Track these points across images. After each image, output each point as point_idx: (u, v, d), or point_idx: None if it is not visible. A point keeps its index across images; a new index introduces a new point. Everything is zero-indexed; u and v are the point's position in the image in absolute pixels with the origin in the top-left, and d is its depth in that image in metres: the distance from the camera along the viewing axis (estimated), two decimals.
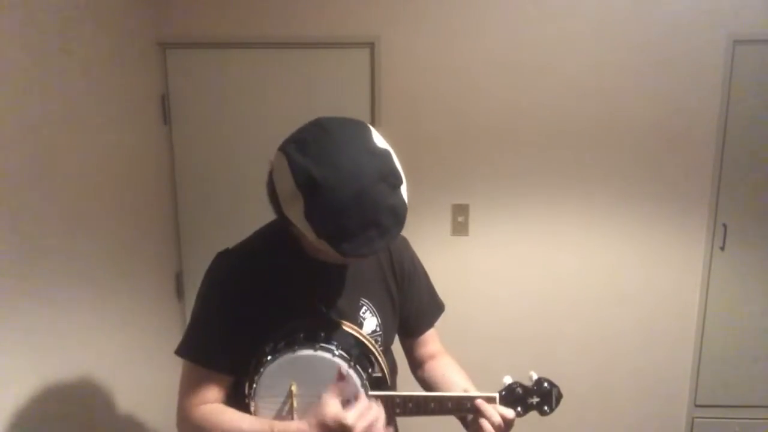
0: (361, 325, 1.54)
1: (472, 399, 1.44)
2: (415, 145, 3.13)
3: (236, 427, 1.40)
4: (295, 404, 1.41)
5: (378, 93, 3.08)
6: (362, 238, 1.21)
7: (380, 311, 1.60)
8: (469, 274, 3.27)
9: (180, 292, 3.28)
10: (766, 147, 3.08)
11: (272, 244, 1.52)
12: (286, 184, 1.23)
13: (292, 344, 1.40)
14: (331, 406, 1.33)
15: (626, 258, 3.24)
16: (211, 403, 1.46)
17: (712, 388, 3.35)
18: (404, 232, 1.29)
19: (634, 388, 3.38)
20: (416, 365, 1.79)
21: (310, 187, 1.19)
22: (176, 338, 1.52)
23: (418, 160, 3.13)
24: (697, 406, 3.38)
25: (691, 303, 3.27)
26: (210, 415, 1.44)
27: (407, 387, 1.73)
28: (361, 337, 1.50)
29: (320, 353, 1.39)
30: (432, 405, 1.45)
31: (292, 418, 1.41)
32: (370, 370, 1.45)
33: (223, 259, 1.53)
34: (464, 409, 1.45)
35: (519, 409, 1.47)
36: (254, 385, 1.41)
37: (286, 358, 1.39)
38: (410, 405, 1.44)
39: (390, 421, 1.45)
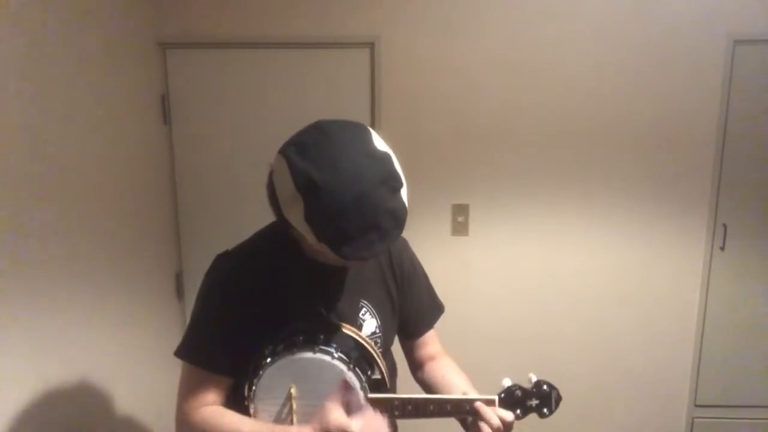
0: (360, 327, 1.55)
1: (471, 402, 1.44)
2: (415, 145, 3.13)
3: (236, 430, 1.41)
4: (294, 406, 1.41)
5: (378, 93, 3.08)
6: (362, 242, 1.21)
7: (380, 313, 1.60)
8: (469, 274, 3.27)
9: (180, 292, 3.28)
10: (766, 147, 3.08)
11: (272, 245, 1.52)
12: (286, 187, 1.23)
13: (291, 346, 1.40)
14: (336, 414, 1.33)
15: (626, 258, 3.24)
16: (211, 406, 1.46)
17: (712, 388, 3.35)
18: (404, 233, 1.29)
19: (634, 388, 3.38)
20: (416, 366, 1.79)
21: (310, 190, 1.19)
22: (176, 338, 1.52)
23: (418, 160, 3.13)
24: (697, 406, 3.38)
25: (691, 303, 3.27)
26: (210, 418, 1.44)
27: (407, 388, 1.74)
28: (360, 340, 1.49)
29: (319, 356, 1.39)
30: (431, 407, 1.44)
31: (292, 421, 1.41)
32: (369, 373, 1.45)
33: (223, 260, 1.53)
34: (463, 411, 1.45)
35: (518, 411, 1.47)
36: (253, 388, 1.41)
37: (286, 360, 1.39)
38: (409, 407, 1.44)
39: (390, 423, 1.45)
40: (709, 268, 3.22)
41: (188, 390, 1.47)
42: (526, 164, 3.15)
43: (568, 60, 3.04)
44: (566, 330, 3.31)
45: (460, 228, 3.22)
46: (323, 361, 1.39)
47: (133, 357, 2.72)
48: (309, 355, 1.39)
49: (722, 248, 3.18)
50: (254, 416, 1.43)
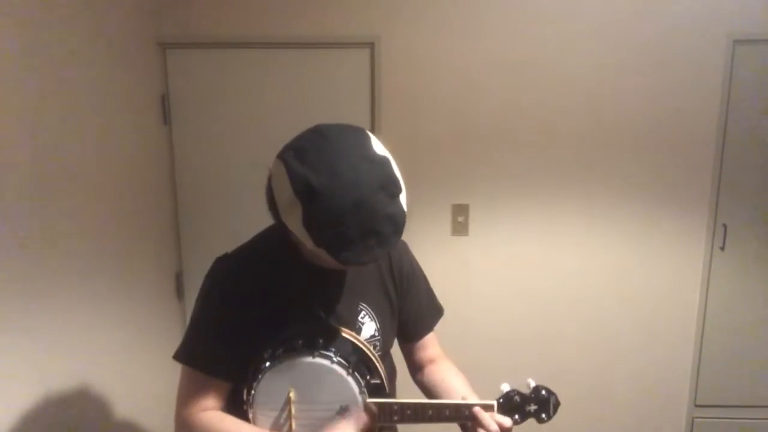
0: (359, 331, 1.54)
1: (470, 407, 1.44)
2: (415, 145, 3.13)
3: None
4: (293, 411, 1.41)
5: (378, 93, 3.08)
6: (361, 247, 1.20)
7: (379, 316, 1.60)
8: (469, 274, 3.27)
9: (180, 292, 3.28)
10: (766, 147, 3.08)
11: (271, 249, 1.52)
12: (285, 192, 1.22)
13: (290, 351, 1.40)
14: None
15: (626, 258, 3.24)
16: (210, 411, 1.46)
17: (712, 388, 3.35)
18: (404, 233, 1.29)
19: (634, 388, 3.38)
20: (415, 369, 1.79)
21: (308, 195, 1.18)
22: (176, 338, 1.53)
23: (418, 160, 3.13)
24: (697, 406, 3.38)
25: (691, 303, 3.27)
26: (209, 423, 1.44)
27: (406, 391, 1.74)
28: (359, 344, 1.49)
29: (319, 360, 1.39)
30: (430, 412, 1.45)
31: (291, 426, 1.41)
32: (368, 377, 1.45)
33: (223, 263, 1.53)
34: (462, 416, 1.45)
35: (517, 417, 1.47)
36: (252, 392, 1.41)
37: (285, 364, 1.39)
38: (408, 412, 1.44)
39: (389, 427, 1.45)
40: (709, 268, 3.22)
41: (187, 394, 1.47)
42: (526, 164, 3.15)
43: (568, 60, 3.04)
44: (566, 330, 3.32)
45: (460, 228, 3.22)
46: (322, 365, 1.39)
47: (133, 357, 2.73)
48: (308, 359, 1.39)
49: (722, 248, 3.18)
50: (253, 421, 1.43)
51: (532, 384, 1.50)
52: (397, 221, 1.23)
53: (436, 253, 3.23)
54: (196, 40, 3.04)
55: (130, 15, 2.77)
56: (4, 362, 1.88)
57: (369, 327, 1.57)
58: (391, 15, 3.01)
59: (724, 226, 3.16)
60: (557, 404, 1.51)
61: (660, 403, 3.40)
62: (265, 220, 1.41)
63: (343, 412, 1.41)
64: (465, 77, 3.06)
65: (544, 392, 1.49)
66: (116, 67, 2.61)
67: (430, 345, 1.79)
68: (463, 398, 1.49)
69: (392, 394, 1.68)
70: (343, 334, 1.49)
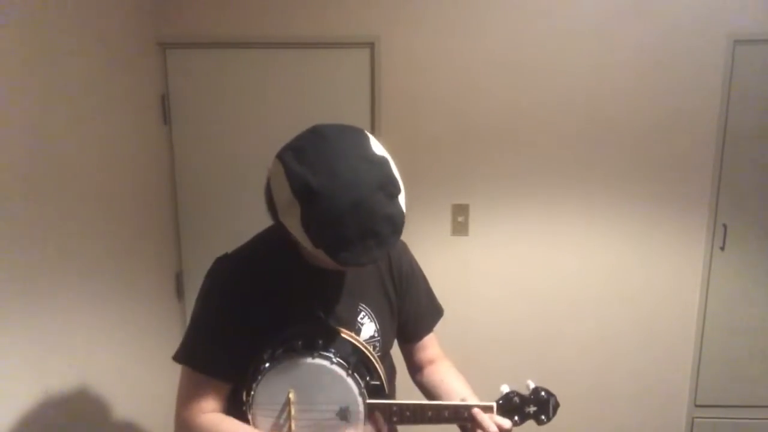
0: (359, 331, 1.54)
1: (469, 408, 1.44)
2: (415, 145, 3.13)
3: None
4: (293, 412, 1.41)
5: (378, 93, 3.08)
6: (360, 248, 1.20)
7: (378, 316, 1.60)
8: (469, 274, 3.27)
9: (180, 292, 3.28)
10: (766, 147, 3.08)
11: (271, 249, 1.52)
12: (283, 193, 1.22)
13: (290, 351, 1.40)
14: None
15: (626, 258, 3.24)
16: (211, 413, 1.46)
17: (712, 388, 3.35)
18: (404, 233, 1.28)
19: (634, 388, 3.38)
20: (415, 370, 1.79)
21: (306, 196, 1.18)
22: (176, 338, 1.52)
23: (418, 160, 3.13)
24: (697, 406, 3.38)
25: (691, 303, 3.27)
26: (209, 425, 1.44)
27: (406, 391, 1.74)
28: (358, 345, 1.49)
29: (318, 361, 1.39)
30: (429, 413, 1.45)
31: (291, 427, 1.41)
32: (367, 378, 1.45)
33: (222, 263, 1.52)
34: (461, 418, 1.45)
35: (516, 418, 1.47)
36: (252, 393, 1.41)
37: (284, 365, 1.39)
38: (407, 413, 1.44)
39: (388, 428, 1.46)
40: (709, 268, 3.22)
41: (187, 395, 1.47)
42: (526, 164, 3.15)
43: (568, 60, 3.04)
44: (566, 330, 3.32)
45: (460, 228, 3.22)
46: (322, 366, 1.39)
47: (133, 357, 2.73)
48: (308, 360, 1.39)
49: (722, 248, 3.18)
50: (252, 422, 1.43)
51: (532, 385, 1.50)
52: (396, 222, 1.23)
53: (436, 253, 3.23)
54: (196, 40, 3.04)
55: (130, 15, 2.77)
56: (4, 362, 1.88)
57: (368, 327, 1.57)
58: (391, 15, 3.00)
59: (724, 226, 3.16)
60: (557, 406, 1.51)
61: (660, 403, 3.40)
62: (265, 220, 1.41)
63: (344, 415, 1.41)
64: (465, 77, 3.06)
65: (543, 393, 1.49)
66: (116, 67, 2.61)
67: (430, 346, 1.78)
68: (462, 399, 1.49)
69: (392, 395, 1.68)
70: (343, 335, 1.49)
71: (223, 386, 1.48)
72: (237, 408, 1.46)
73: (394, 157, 1.29)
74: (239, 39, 3.03)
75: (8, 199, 1.89)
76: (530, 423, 1.51)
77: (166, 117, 3.10)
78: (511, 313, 3.30)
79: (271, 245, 1.52)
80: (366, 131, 1.30)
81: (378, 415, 1.43)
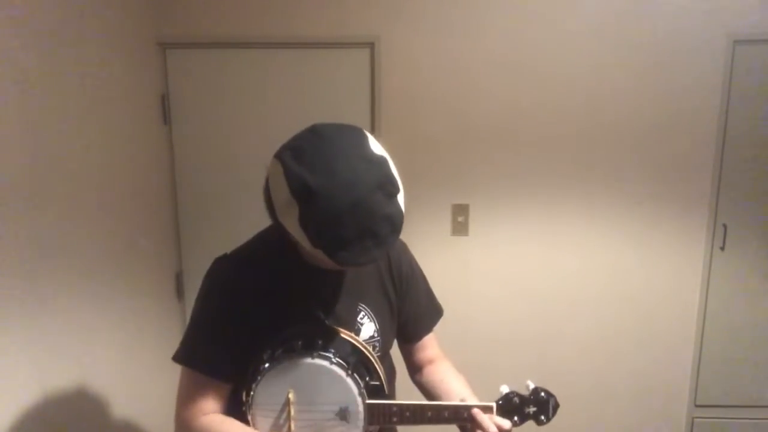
0: (358, 331, 1.54)
1: (469, 408, 1.44)
2: (415, 144, 3.13)
3: None
4: (292, 412, 1.41)
5: (378, 93, 3.08)
6: (358, 248, 1.20)
7: (378, 316, 1.60)
8: (469, 274, 3.27)
9: (180, 292, 3.28)
10: (766, 147, 3.08)
11: (270, 249, 1.51)
12: (281, 192, 1.22)
13: (289, 352, 1.40)
14: None
15: (626, 258, 3.24)
16: (211, 414, 1.46)
17: (712, 388, 3.35)
18: (404, 233, 1.28)
19: (634, 388, 3.38)
20: (415, 370, 1.79)
21: (305, 195, 1.18)
22: (176, 338, 1.52)
23: (418, 160, 3.13)
24: (697, 406, 3.38)
25: (691, 303, 3.27)
26: (209, 426, 1.44)
27: (406, 391, 1.74)
28: (358, 345, 1.49)
29: (318, 361, 1.40)
30: (429, 414, 1.45)
31: (290, 427, 1.41)
32: (367, 378, 1.45)
33: (222, 264, 1.52)
34: (461, 418, 1.45)
35: (516, 418, 1.47)
36: (251, 393, 1.41)
37: (284, 365, 1.39)
38: (407, 414, 1.44)
39: (388, 428, 1.46)
40: (709, 268, 3.22)
41: (187, 395, 1.47)
42: (526, 164, 3.15)
43: (568, 60, 3.04)
44: (566, 330, 3.31)
45: (460, 228, 3.22)
46: (322, 366, 1.39)
47: (133, 357, 2.73)
48: (308, 360, 1.39)
49: (722, 248, 3.18)
50: (252, 422, 1.43)
51: (532, 386, 1.50)
52: (394, 221, 1.22)
53: (436, 253, 3.23)
54: (196, 40, 3.04)
55: (130, 15, 2.76)
56: (4, 362, 1.88)
57: (368, 328, 1.57)
58: (391, 15, 3.00)
59: (724, 226, 3.16)
60: (556, 406, 1.51)
61: (660, 403, 3.40)
62: (265, 220, 1.41)
63: (344, 415, 1.41)
64: (465, 77, 3.06)
65: (543, 394, 1.49)
66: (116, 67, 2.61)
67: (430, 346, 1.78)
68: (462, 400, 1.49)
69: (391, 395, 1.68)
70: (342, 335, 1.49)
71: (222, 387, 1.48)
72: (237, 408, 1.46)
73: (393, 157, 1.29)
74: (239, 39, 3.03)
75: (8, 199, 1.89)
76: (530, 423, 1.51)
77: (166, 117, 3.09)
78: (511, 312, 3.30)
79: (270, 245, 1.52)
80: (365, 130, 1.30)
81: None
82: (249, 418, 1.43)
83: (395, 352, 1.74)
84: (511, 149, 3.13)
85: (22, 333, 1.96)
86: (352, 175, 1.18)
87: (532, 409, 1.49)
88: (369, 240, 1.20)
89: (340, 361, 1.40)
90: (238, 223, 3.03)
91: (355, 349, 1.48)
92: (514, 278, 3.27)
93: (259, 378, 1.39)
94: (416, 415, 1.44)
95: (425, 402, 1.49)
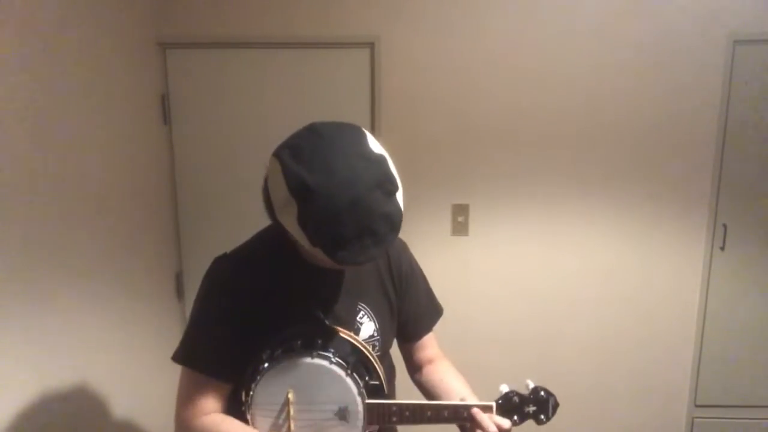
0: (358, 331, 1.54)
1: (468, 408, 1.44)
2: (415, 144, 3.13)
3: None
4: (291, 412, 1.41)
5: (378, 93, 3.07)
6: (357, 246, 1.20)
7: (378, 316, 1.60)
8: (469, 274, 3.27)
9: (180, 292, 3.28)
10: (766, 147, 3.07)
11: (270, 249, 1.51)
12: (280, 191, 1.22)
13: (289, 351, 1.40)
14: None
15: (626, 258, 3.23)
16: (211, 414, 1.46)
17: (712, 388, 3.35)
18: (404, 232, 1.28)
19: (634, 388, 3.38)
20: (414, 369, 1.79)
21: (303, 194, 1.17)
22: (176, 338, 1.52)
23: (418, 160, 3.13)
24: (697, 406, 3.38)
25: (691, 303, 3.27)
26: (209, 426, 1.43)
27: (405, 391, 1.74)
28: (357, 344, 1.49)
29: (318, 361, 1.39)
30: (428, 413, 1.44)
31: (290, 427, 1.41)
32: (367, 378, 1.45)
33: (221, 263, 1.52)
34: (461, 417, 1.45)
35: (515, 418, 1.47)
36: (251, 393, 1.41)
37: (283, 365, 1.39)
38: (407, 413, 1.44)
39: (388, 428, 1.45)
40: (709, 268, 3.22)
41: (187, 395, 1.47)
42: (526, 164, 3.15)
43: (568, 60, 3.03)
44: (566, 330, 3.31)
45: (460, 228, 3.22)
46: (321, 366, 1.39)
47: (132, 357, 2.73)
48: (307, 360, 1.39)
49: (722, 248, 3.18)
50: (252, 422, 1.43)
51: (531, 385, 1.50)
52: (393, 220, 1.22)
53: (436, 253, 3.23)
54: (196, 40, 3.04)
55: (130, 15, 2.76)
56: (4, 362, 1.88)
57: (368, 327, 1.57)
58: (391, 15, 3.00)
59: (724, 226, 3.15)
60: (556, 405, 1.51)
61: (660, 403, 3.39)
62: (265, 220, 1.41)
63: (343, 415, 1.41)
64: (465, 77, 3.06)
65: (542, 393, 1.49)
66: (116, 66, 2.61)
67: (429, 345, 1.78)
68: (461, 399, 1.49)
69: (391, 395, 1.68)
70: (342, 335, 1.48)
71: (222, 386, 1.48)
72: (236, 408, 1.46)
73: (393, 157, 1.29)
74: (239, 39, 3.03)
75: (8, 198, 1.89)
76: (530, 423, 1.51)
77: (166, 117, 3.09)
78: (511, 312, 3.30)
79: (269, 245, 1.51)
80: (363, 128, 1.29)
81: None
82: (248, 417, 1.42)
83: (395, 351, 1.74)
84: (511, 149, 3.13)
85: (22, 333, 1.96)
86: (351, 174, 1.18)
87: (531, 409, 1.49)
88: (368, 238, 1.19)
89: (340, 360, 1.40)
90: (238, 223, 3.03)
91: (354, 349, 1.48)
92: (514, 278, 3.27)
93: (258, 378, 1.39)
94: (416, 414, 1.44)
95: (425, 401, 1.49)
